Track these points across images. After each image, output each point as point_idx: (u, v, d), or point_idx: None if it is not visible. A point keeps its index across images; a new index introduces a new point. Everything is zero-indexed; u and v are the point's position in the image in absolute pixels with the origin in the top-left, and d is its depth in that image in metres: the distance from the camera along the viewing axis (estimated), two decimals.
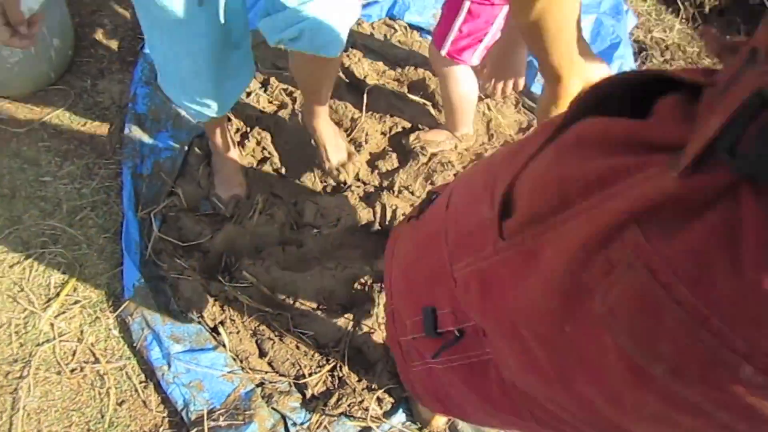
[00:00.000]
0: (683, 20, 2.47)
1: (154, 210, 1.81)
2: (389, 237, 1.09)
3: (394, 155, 1.98)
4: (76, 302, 1.72)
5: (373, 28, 2.29)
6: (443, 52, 1.71)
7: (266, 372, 1.66)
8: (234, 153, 1.88)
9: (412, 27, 2.28)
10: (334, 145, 1.90)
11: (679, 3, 2.46)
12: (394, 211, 1.85)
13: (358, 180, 1.93)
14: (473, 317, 0.71)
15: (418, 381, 0.97)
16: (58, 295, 1.72)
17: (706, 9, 2.43)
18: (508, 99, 2.17)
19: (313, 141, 1.91)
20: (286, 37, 1.36)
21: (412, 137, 1.98)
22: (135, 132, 1.95)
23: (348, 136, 2.00)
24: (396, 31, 2.26)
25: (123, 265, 1.75)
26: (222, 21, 1.35)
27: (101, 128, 2.01)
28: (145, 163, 1.92)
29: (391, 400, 1.64)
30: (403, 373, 1.01)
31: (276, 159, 1.96)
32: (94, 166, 1.94)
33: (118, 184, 1.91)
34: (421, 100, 2.11)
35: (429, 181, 1.91)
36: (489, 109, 2.11)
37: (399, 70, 2.18)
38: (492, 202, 0.64)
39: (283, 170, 1.95)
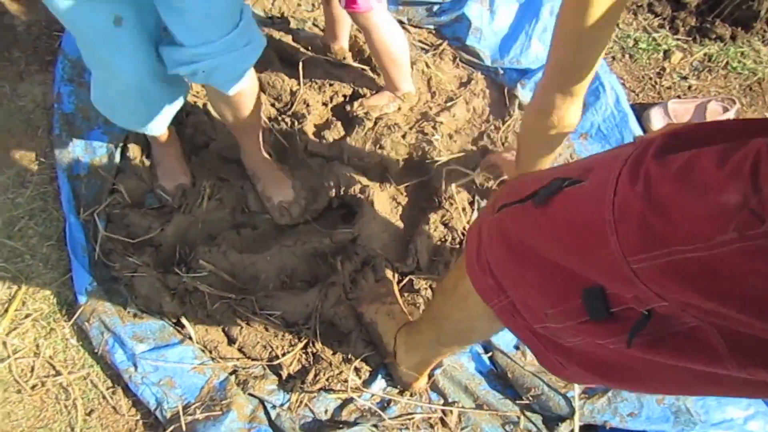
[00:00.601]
0: None
1: (97, 210, 1.73)
2: (471, 228, 1.08)
3: (338, 124, 1.94)
4: (27, 316, 1.63)
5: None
6: (342, 5, 1.68)
7: (238, 359, 1.61)
8: (173, 141, 1.80)
9: None
10: (273, 182, 1.80)
11: None
12: (348, 180, 1.82)
13: (305, 151, 1.89)
14: (673, 299, 0.69)
15: (574, 360, 0.93)
16: (6, 311, 1.63)
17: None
18: (445, 55, 2.15)
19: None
20: (182, 72, 1.35)
21: (355, 104, 1.94)
22: (65, 133, 1.85)
23: (289, 109, 1.95)
24: None
25: (72, 271, 1.67)
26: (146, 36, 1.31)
27: (28, 133, 1.90)
28: (81, 163, 1.83)
29: (369, 368, 1.61)
30: (544, 357, 0.98)
31: (218, 142, 1.89)
32: (26, 173, 1.84)
33: (54, 189, 1.81)
34: (359, 65, 2.06)
35: (378, 146, 1.88)
36: (428, 66, 2.08)
37: None
38: (738, 190, 0.60)
39: (225, 153, 1.89)
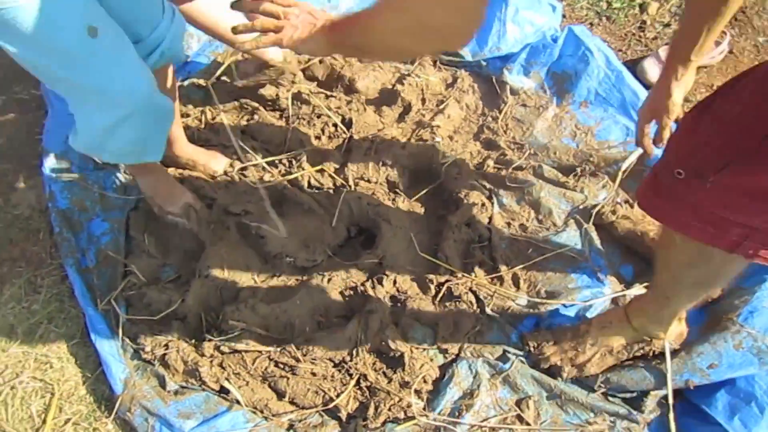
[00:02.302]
0: None
1: (114, 295, 1.67)
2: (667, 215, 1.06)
3: (336, 153, 1.89)
4: (66, 422, 1.55)
5: None
6: None
7: (291, 411, 1.52)
8: (159, 167, 1.76)
9: None
10: (211, 156, 1.88)
11: None
12: (359, 204, 1.75)
13: (311, 188, 1.83)
14: None
15: None
16: (44, 422, 1.55)
17: None
18: (424, 61, 2.11)
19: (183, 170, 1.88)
20: (152, 62, 1.39)
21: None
22: (65, 229, 1.80)
23: (283, 151, 1.90)
24: None
25: (102, 364, 1.60)
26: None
27: (31, 239, 1.85)
28: (87, 255, 1.78)
29: (429, 387, 1.52)
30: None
31: (221, 200, 1.84)
32: (36, 278, 1.78)
33: (67, 287, 1.76)
34: (342, 95, 2.02)
35: (380, 163, 1.82)
36: (418, 77, 2.04)
37: None
38: None
39: (231, 208, 1.83)
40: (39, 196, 1.93)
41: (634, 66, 2.02)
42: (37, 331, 1.69)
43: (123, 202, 1.86)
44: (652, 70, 1.97)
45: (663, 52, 2.00)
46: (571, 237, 1.69)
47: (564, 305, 1.57)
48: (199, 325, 1.65)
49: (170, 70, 1.58)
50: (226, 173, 1.87)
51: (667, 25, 2.18)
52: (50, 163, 1.92)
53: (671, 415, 1.40)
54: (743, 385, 1.40)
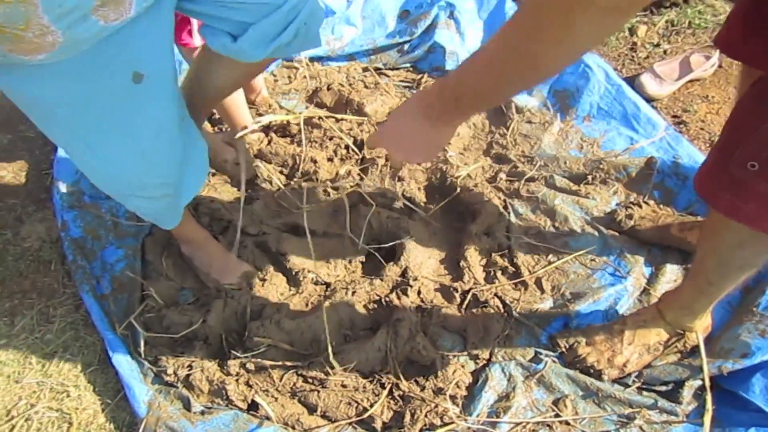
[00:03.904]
0: None
1: (134, 316, 1.63)
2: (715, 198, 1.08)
3: (351, 170, 1.90)
4: None
5: (275, 76, 2.25)
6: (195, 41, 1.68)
7: (324, 425, 1.48)
8: (210, 239, 1.74)
9: (313, 60, 2.26)
10: (217, 143, 1.92)
11: None
12: (378, 219, 1.76)
13: (329, 205, 1.83)
14: None
15: None
16: None
17: None
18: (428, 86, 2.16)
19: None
20: (284, 42, 1.20)
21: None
22: (79, 257, 1.77)
23: (296, 172, 1.91)
24: (299, 69, 2.22)
25: (123, 388, 1.54)
26: (170, 95, 1.23)
27: (41, 270, 1.81)
28: (102, 282, 1.74)
29: (463, 392, 1.49)
30: None
31: (236, 223, 1.83)
32: (49, 308, 1.73)
33: (81, 315, 1.71)
34: (351, 117, 2.06)
35: (396, 178, 1.84)
36: None
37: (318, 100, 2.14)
38: None
39: (248, 230, 1.82)
40: (49, 228, 1.90)
41: (631, 82, 2.10)
42: (52, 360, 1.63)
43: (137, 229, 1.84)
44: (649, 84, 2.05)
45: (658, 67, 2.09)
46: (589, 241, 1.71)
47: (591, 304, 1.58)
48: (221, 345, 1.62)
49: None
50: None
51: (657, 45, 2.28)
52: (61, 194, 1.90)
53: (708, 397, 1.39)
54: None
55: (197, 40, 1.67)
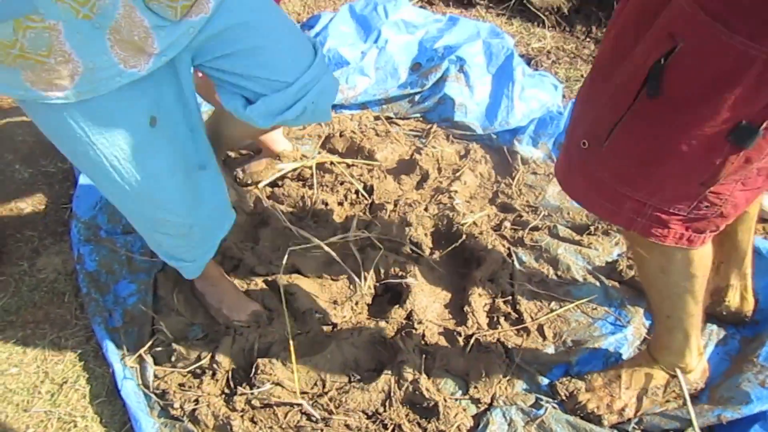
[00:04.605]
0: (551, 27, 2.71)
1: (143, 350, 1.66)
2: (580, 190, 1.19)
3: (360, 215, 1.97)
4: None
5: None
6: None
7: None
8: (224, 277, 1.79)
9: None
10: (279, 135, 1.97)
11: (542, 15, 2.71)
12: (385, 262, 1.81)
13: (338, 246, 1.88)
14: None
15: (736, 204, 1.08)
16: None
17: (565, 11, 2.69)
18: (438, 135, 2.24)
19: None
20: (289, 117, 1.29)
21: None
22: (93, 290, 1.82)
23: (307, 214, 1.97)
24: None
25: (130, 420, 1.57)
26: (182, 140, 1.29)
27: (55, 302, 1.86)
28: (114, 316, 1.79)
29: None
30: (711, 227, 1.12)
31: (247, 261, 1.88)
32: (60, 339, 1.77)
33: (92, 347, 1.75)
34: (362, 162, 2.13)
35: (404, 224, 1.89)
36: (434, 148, 2.16)
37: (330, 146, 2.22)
38: None
39: (258, 270, 1.87)
40: (65, 260, 1.95)
41: None
42: (61, 391, 1.66)
43: (150, 264, 1.89)
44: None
45: None
46: (591, 290, 1.76)
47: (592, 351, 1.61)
48: (228, 381, 1.65)
49: None
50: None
51: None
52: (78, 228, 1.96)
53: None
54: None
55: None
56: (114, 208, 1.97)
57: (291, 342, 1.64)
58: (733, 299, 1.66)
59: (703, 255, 1.21)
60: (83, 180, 2.07)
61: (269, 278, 1.83)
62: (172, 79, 1.21)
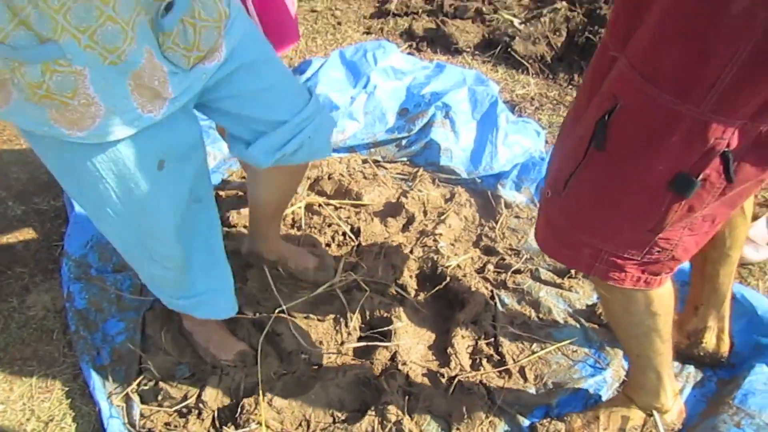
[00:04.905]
0: (534, 75, 2.80)
1: (129, 389, 1.68)
2: (542, 235, 1.28)
3: (347, 257, 2.01)
4: None
5: None
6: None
7: None
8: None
9: None
10: (301, 253, 1.93)
11: (526, 63, 2.81)
12: (371, 304, 1.85)
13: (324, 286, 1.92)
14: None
15: (686, 248, 1.16)
16: None
17: (549, 59, 2.79)
18: (424, 179, 2.30)
19: (277, 267, 1.94)
20: (288, 152, 1.39)
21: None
22: (82, 327, 1.84)
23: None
24: None
25: None
26: (186, 181, 1.34)
27: (44, 339, 1.88)
28: (102, 354, 1.81)
29: None
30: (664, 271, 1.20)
31: None
32: (48, 377, 1.79)
33: (79, 385, 1.76)
34: (349, 202, 2.19)
35: (390, 266, 1.94)
36: (420, 191, 2.22)
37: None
38: None
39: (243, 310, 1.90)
40: (54, 298, 1.98)
41: None
42: (47, 429, 1.67)
43: (138, 303, 1.92)
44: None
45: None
46: (571, 332, 1.80)
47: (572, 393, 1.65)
48: (214, 420, 1.66)
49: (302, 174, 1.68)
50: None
51: None
52: (69, 266, 1.99)
53: None
54: None
55: None
56: (105, 246, 2.03)
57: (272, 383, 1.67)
58: (710, 341, 1.71)
59: (662, 294, 1.27)
60: (76, 218, 2.11)
61: (256, 318, 1.86)
62: (182, 123, 1.28)
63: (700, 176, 1.00)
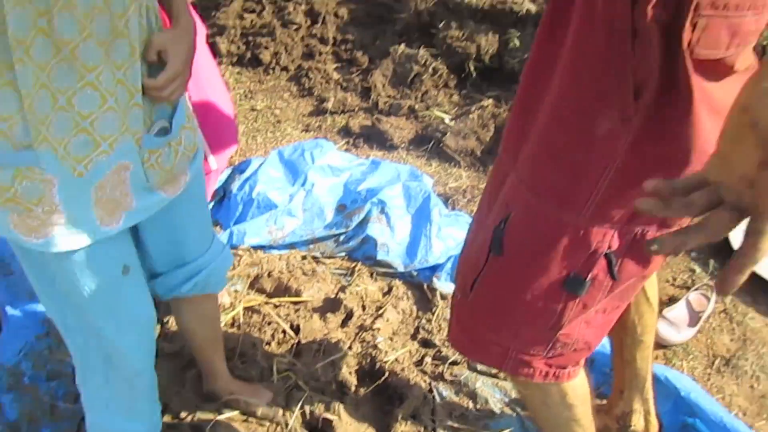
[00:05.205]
0: (466, 168, 2.96)
1: None
2: (454, 335, 1.37)
3: (286, 354, 2.03)
4: None
5: None
6: None
7: None
8: None
9: (256, 248, 2.45)
10: (254, 391, 1.87)
11: (457, 157, 2.96)
12: (310, 402, 1.86)
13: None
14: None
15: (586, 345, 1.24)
16: None
17: (478, 153, 2.95)
18: (362, 273, 2.37)
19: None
20: (183, 290, 1.46)
21: None
22: None
23: (234, 355, 2.02)
24: (242, 256, 2.41)
25: None
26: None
27: None
28: None
29: None
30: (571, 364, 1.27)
31: None
32: None
33: None
34: (289, 300, 2.22)
35: (329, 363, 1.97)
36: (358, 286, 2.28)
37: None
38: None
39: None
40: None
41: None
42: None
43: (72, 412, 1.88)
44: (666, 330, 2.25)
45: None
46: (508, 422, 1.85)
47: None
48: None
49: (214, 302, 1.70)
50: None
51: None
52: (1, 374, 1.94)
53: None
54: None
55: (213, 164, 1.88)
56: (40, 353, 2.00)
57: None
58: (638, 423, 1.78)
59: (575, 386, 1.35)
60: (9, 323, 2.08)
61: (194, 423, 1.84)
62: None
63: (589, 276, 1.10)
